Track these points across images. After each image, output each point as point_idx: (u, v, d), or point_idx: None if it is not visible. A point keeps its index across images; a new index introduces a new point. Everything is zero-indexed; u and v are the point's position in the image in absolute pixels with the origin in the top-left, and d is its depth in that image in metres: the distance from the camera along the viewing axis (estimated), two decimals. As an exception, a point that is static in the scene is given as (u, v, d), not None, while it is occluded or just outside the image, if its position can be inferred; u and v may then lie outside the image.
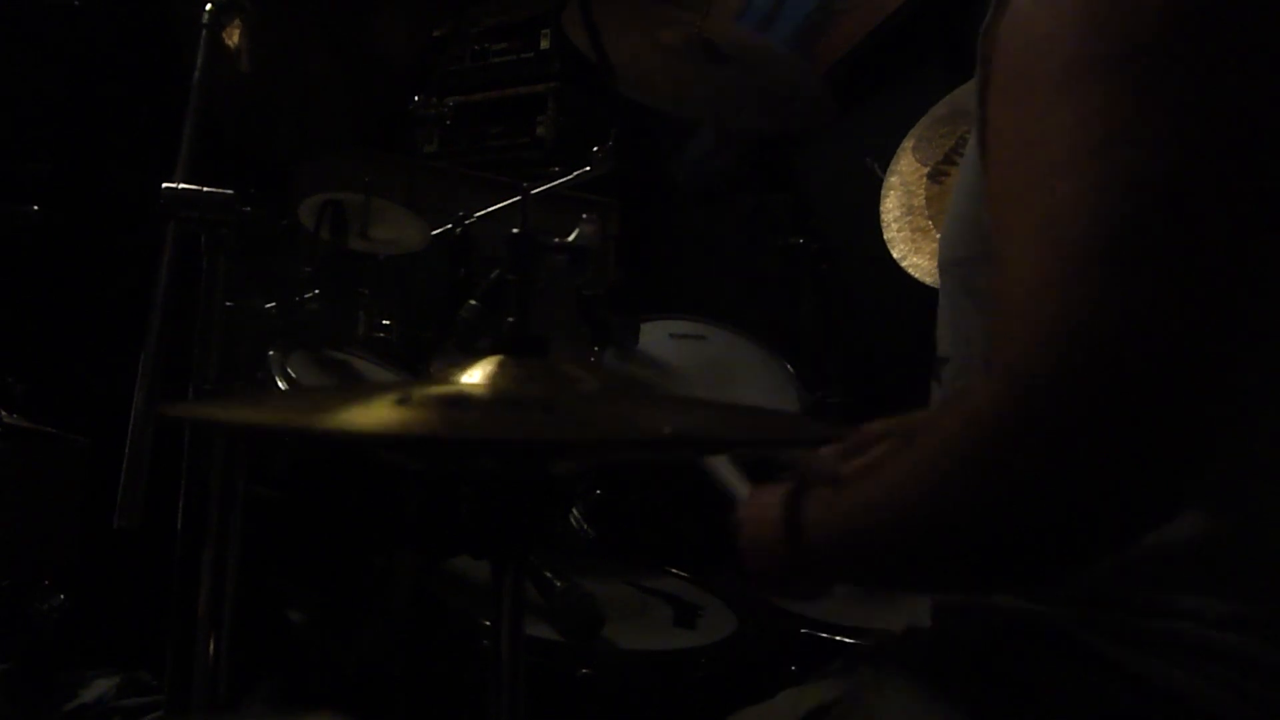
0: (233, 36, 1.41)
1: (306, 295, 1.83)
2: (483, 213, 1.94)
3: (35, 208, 2.06)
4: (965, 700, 0.77)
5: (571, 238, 1.51)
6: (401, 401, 0.57)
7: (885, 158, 1.88)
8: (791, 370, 1.87)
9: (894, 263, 1.80)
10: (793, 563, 0.79)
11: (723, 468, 1.36)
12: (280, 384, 1.52)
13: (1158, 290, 0.58)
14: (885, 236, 1.83)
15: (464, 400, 0.59)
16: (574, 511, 1.54)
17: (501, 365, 0.64)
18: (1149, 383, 0.57)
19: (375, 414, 0.56)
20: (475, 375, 0.63)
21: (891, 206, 1.84)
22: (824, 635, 1.30)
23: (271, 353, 1.58)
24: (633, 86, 1.66)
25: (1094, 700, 0.71)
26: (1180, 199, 0.60)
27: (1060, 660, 0.73)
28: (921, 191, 1.81)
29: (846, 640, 1.29)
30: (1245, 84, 0.62)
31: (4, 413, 1.68)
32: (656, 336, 1.78)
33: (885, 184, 1.86)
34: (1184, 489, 0.61)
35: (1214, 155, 0.61)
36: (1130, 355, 0.57)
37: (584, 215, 1.56)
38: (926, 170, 1.81)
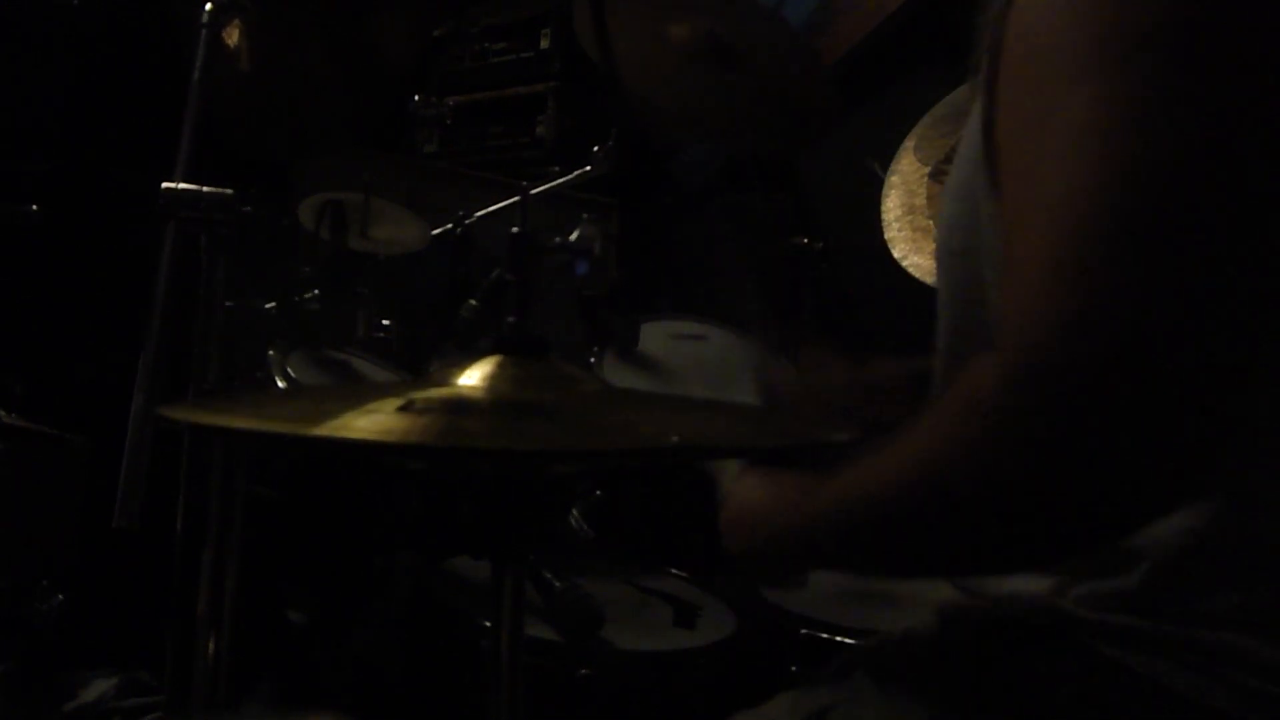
0: (232, 36, 1.41)
1: (306, 295, 1.83)
2: (483, 213, 1.94)
3: (35, 208, 2.05)
4: (966, 704, 0.77)
5: (573, 237, 1.51)
6: (405, 409, 0.56)
7: (886, 157, 1.87)
8: (792, 370, 1.87)
9: (894, 262, 1.79)
10: (777, 546, 0.79)
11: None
12: (280, 384, 1.52)
13: (1160, 277, 0.58)
14: (886, 236, 1.82)
15: (466, 406, 0.58)
16: (574, 511, 1.54)
17: (501, 366, 0.64)
18: (1152, 369, 0.57)
19: (376, 421, 0.56)
20: (475, 376, 0.63)
21: (892, 206, 1.84)
22: (824, 635, 1.30)
23: (271, 353, 1.58)
24: (638, 96, 1.66)
25: (1095, 701, 0.71)
26: (1184, 188, 0.59)
27: (1061, 662, 0.73)
28: (922, 191, 1.81)
29: (846, 640, 1.28)
30: (1252, 78, 0.62)
31: (4, 413, 1.68)
32: (656, 336, 1.77)
33: (886, 183, 1.86)
34: (1188, 477, 0.60)
35: (1219, 146, 0.61)
36: (1133, 341, 0.57)
37: (584, 215, 1.56)
38: (927, 170, 1.80)
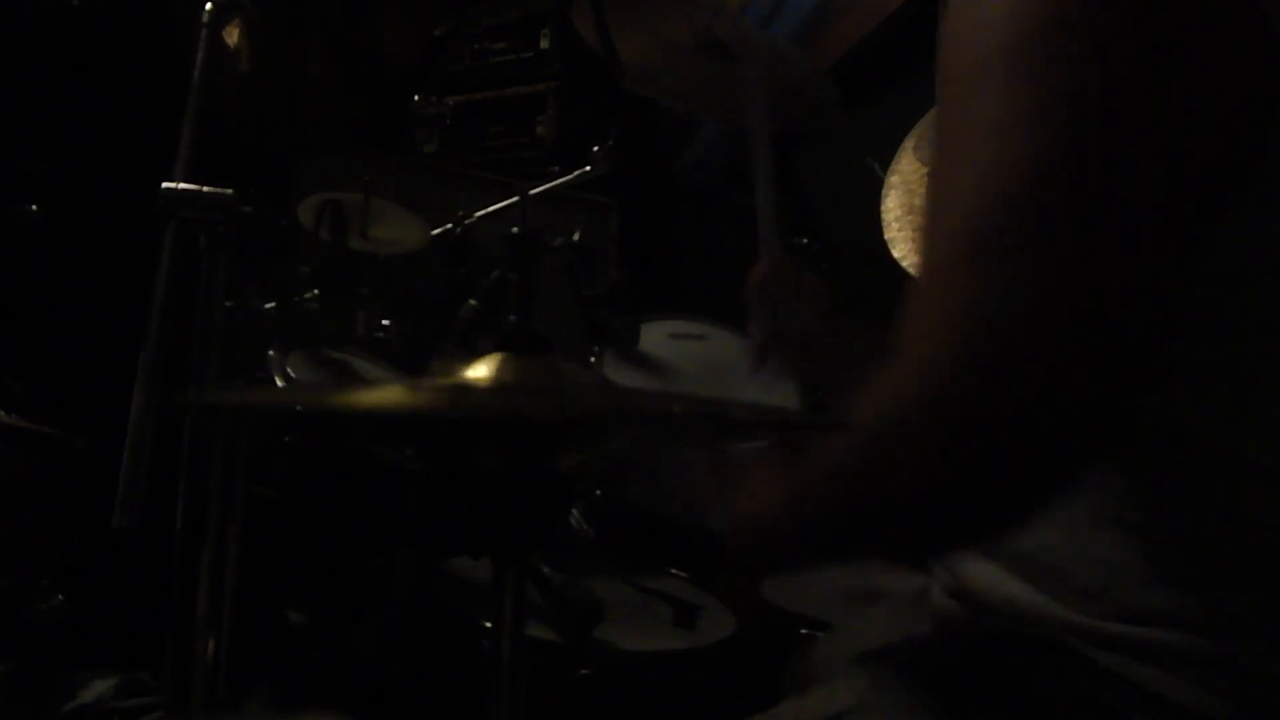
0: (232, 36, 1.41)
1: (306, 295, 1.83)
2: (482, 213, 1.94)
3: (35, 208, 2.05)
4: (964, 711, 0.77)
5: (575, 237, 1.51)
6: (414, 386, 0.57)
7: (886, 157, 1.87)
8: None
9: (895, 262, 1.79)
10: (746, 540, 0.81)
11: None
12: (280, 384, 1.52)
13: (1046, 272, 0.59)
14: (886, 236, 1.82)
15: (473, 389, 0.59)
16: (574, 511, 1.54)
17: (502, 364, 0.64)
18: (1043, 361, 0.59)
19: (384, 394, 0.57)
20: (478, 371, 0.63)
21: (892, 206, 1.84)
22: (824, 635, 1.30)
23: (271, 353, 1.58)
24: (639, 82, 1.66)
25: (1087, 708, 0.72)
26: (1071, 184, 0.60)
27: (1053, 668, 0.73)
28: (922, 191, 1.81)
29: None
30: (1140, 71, 0.62)
31: (3, 413, 1.68)
32: (656, 336, 1.77)
33: (886, 183, 1.86)
34: (1086, 459, 0.63)
35: (1106, 142, 0.61)
36: (1024, 336, 0.59)
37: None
38: (927, 170, 1.80)
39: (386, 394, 0.57)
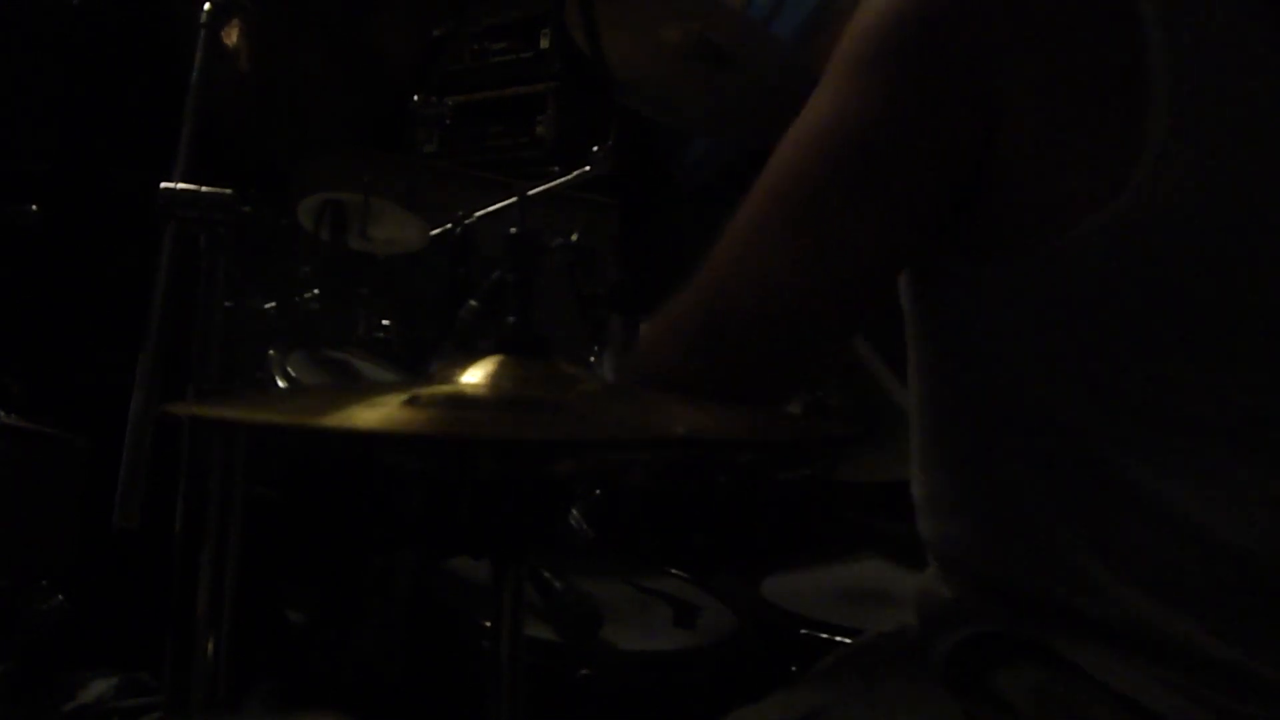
0: (232, 36, 1.41)
1: (306, 295, 1.83)
2: (482, 213, 1.94)
3: (35, 208, 2.05)
4: (948, 704, 0.78)
5: (574, 238, 1.51)
6: (410, 402, 0.56)
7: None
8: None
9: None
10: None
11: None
12: (280, 384, 1.52)
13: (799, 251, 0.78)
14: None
15: (469, 401, 0.59)
16: (574, 511, 1.54)
17: (502, 365, 0.64)
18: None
19: (381, 413, 0.56)
20: (477, 375, 0.63)
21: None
22: (824, 635, 1.30)
23: (271, 353, 1.58)
24: (631, 94, 1.66)
25: (1065, 706, 0.73)
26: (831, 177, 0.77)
27: (1031, 666, 0.75)
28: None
29: (846, 640, 1.28)
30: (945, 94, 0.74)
31: (3, 413, 1.68)
32: (656, 336, 1.77)
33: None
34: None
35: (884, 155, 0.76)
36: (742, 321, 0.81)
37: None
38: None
39: (381, 413, 0.56)
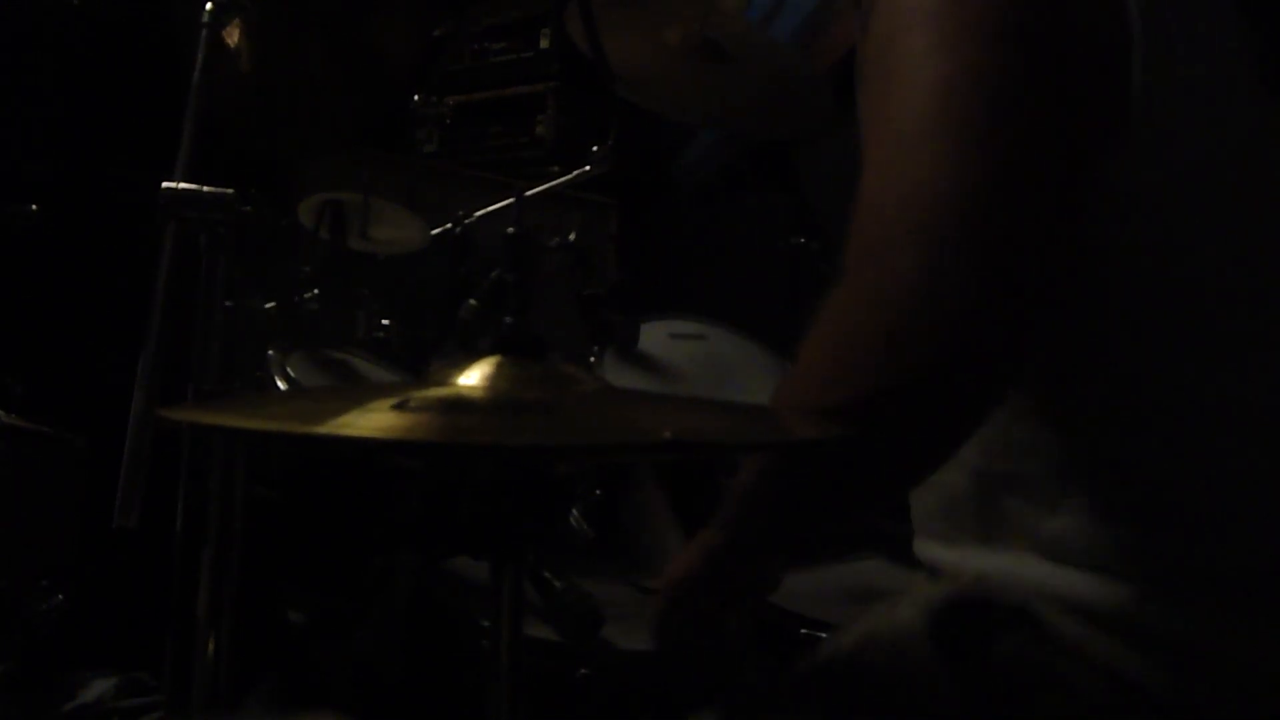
0: (232, 36, 1.41)
1: (306, 295, 1.83)
2: (482, 212, 1.94)
3: (35, 208, 2.05)
4: (946, 692, 0.80)
5: (572, 237, 1.51)
6: (400, 406, 0.56)
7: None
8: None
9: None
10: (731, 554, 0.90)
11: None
12: (280, 384, 1.52)
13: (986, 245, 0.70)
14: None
15: (463, 404, 0.59)
16: (574, 511, 1.54)
17: (500, 366, 0.64)
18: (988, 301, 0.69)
19: (374, 419, 0.56)
20: (473, 376, 0.63)
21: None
22: (824, 635, 1.30)
23: (271, 353, 1.58)
24: (633, 90, 1.66)
25: (1064, 689, 0.75)
26: (1025, 158, 0.71)
27: (1032, 647, 0.77)
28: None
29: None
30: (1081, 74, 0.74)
31: (3, 413, 1.68)
32: (656, 336, 1.77)
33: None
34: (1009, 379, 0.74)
35: (1053, 129, 0.72)
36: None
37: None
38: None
39: (372, 419, 0.56)
